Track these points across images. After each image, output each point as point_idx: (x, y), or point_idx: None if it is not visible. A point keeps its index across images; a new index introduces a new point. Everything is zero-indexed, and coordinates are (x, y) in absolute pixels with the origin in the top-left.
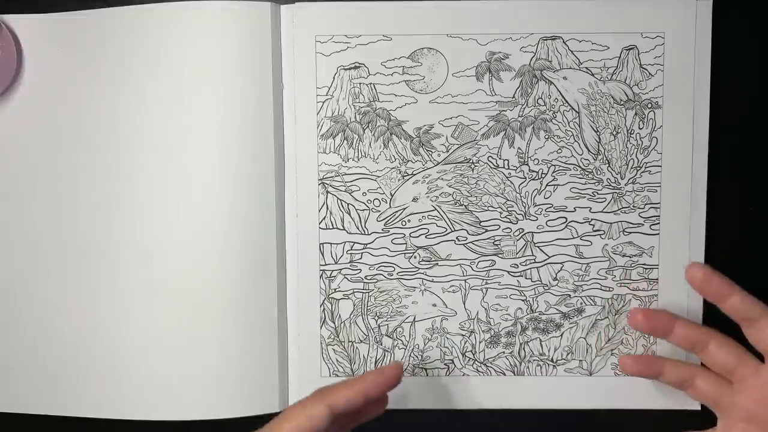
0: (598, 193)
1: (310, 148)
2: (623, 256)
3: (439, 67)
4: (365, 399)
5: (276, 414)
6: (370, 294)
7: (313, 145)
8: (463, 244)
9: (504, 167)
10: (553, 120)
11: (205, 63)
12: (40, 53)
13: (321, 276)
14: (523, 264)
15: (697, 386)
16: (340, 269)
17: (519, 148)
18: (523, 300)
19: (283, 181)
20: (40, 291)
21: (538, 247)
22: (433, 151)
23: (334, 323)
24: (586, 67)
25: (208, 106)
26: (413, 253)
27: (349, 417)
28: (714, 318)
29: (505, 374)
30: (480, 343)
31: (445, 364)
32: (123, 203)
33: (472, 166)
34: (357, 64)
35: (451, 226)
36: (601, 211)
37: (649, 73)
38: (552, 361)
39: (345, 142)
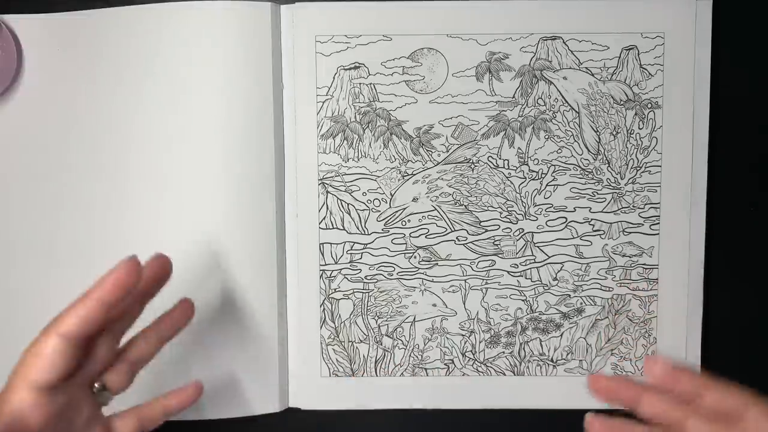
0: (598, 193)
1: (310, 148)
2: (623, 256)
3: (439, 67)
4: (103, 308)
5: (276, 414)
6: (370, 294)
7: (313, 145)
8: (463, 244)
9: (504, 167)
10: (553, 120)
11: (205, 63)
12: (40, 53)
13: (321, 276)
14: (523, 264)
15: None
16: (340, 269)
17: (519, 148)
18: (523, 300)
19: (283, 181)
20: (40, 291)
21: (538, 247)
22: (433, 151)
23: (334, 323)
24: (586, 67)
25: (208, 106)
26: (413, 253)
27: (124, 327)
28: (716, 320)
29: (505, 374)
30: (480, 343)
31: (445, 364)
32: (123, 203)
33: (472, 166)
34: (357, 64)
35: (451, 226)
36: (601, 211)
37: (649, 73)
38: (552, 361)
39: (345, 142)
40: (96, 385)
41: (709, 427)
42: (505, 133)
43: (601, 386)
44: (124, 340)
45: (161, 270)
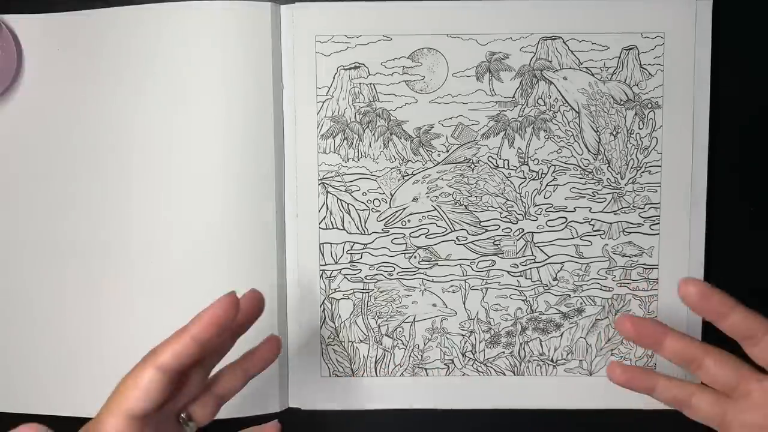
0: (598, 193)
1: (310, 148)
2: (623, 256)
3: (439, 67)
4: (198, 344)
5: (276, 414)
6: (370, 294)
7: (313, 145)
8: (463, 244)
9: (504, 167)
10: (553, 120)
11: (205, 63)
12: (40, 53)
13: (321, 276)
14: (523, 264)
15: (695, 407)
16: (340, 269)
17: (519, 148)
18: (523, 300)
19: (283, 181)
20: (41, 291)
21: (538, 247)
22: (433, 151)
23: (334, 323)
24: (586, 67)
25: (208, 106)
26: (413, 253)
27: (209, 366)
28: None
29: (505, 374)
30: (480, 343)
31: (445, 364)
32: (123, 203)
33: (472, 166)
34: (357, 64)
35: (451, 226)
36: (601, 211)
37: (649, 73)
38: (552, 361)
39: (345, 142)
40: (183, 415)
41: (728, 358)
42: (505, 133)
43: (628, 327)
44: (213, 372)
45: (255, 306)
